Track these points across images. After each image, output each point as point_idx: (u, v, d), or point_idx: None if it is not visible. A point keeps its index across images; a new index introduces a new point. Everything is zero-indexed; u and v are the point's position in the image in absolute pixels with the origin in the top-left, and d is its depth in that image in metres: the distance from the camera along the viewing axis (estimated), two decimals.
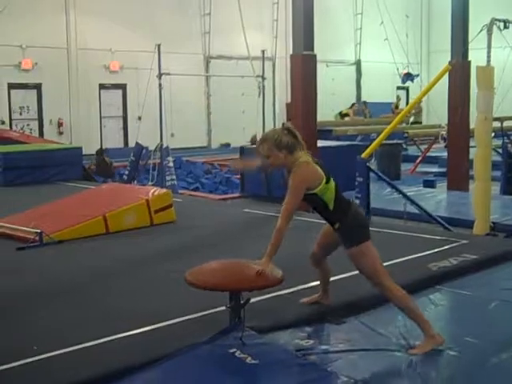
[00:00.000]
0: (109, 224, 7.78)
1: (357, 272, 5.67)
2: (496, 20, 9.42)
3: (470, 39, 12.14)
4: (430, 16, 30.64)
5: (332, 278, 5.48)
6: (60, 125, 19.95)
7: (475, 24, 10.30)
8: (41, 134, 19.54)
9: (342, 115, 24.76)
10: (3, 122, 18.71)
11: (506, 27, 9.58)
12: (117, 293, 5.45)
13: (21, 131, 18.48)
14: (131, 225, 7.97)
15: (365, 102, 24.73)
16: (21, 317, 4.89)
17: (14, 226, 7.57)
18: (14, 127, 18.91)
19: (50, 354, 4.07)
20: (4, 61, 18.52)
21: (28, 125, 19.61)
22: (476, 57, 11.51)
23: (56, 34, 19.51)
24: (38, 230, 7.15)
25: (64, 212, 8.08)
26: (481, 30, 9.35)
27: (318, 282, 5.04)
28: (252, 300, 4.35)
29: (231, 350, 4.02)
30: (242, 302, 4.23)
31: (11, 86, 19.08)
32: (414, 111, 21.23)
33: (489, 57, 9.10)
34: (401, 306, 4.33)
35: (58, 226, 7.49)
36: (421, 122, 22.44)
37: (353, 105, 25.49)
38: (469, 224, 8.68)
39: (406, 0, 28.63)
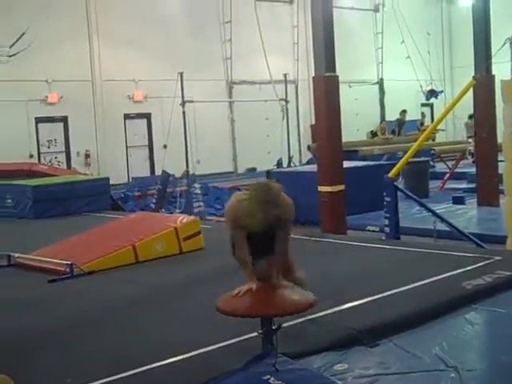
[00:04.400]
0: (138, 253, 7.81)
1: (390, 292, 5.65)
2: None
3: (492, 53, 12.07)
4: (452, 32, 30.56)
5: (364, 300, 5.44)
6: (87, 156, 20.16)
7: (497, 38, 10.26)
8: (68, 165, 19.75)
9: (373, 134, 24.60)
10: (31, 156, 18.96)
11: None
12: (149, 322, 5.45)
13: (49, 164, 18.71)
14: (160, 253, 7.99)
15: (405, 111, 24.24)
16: (53, 349, 4.89)
17: (45, 259, 7.63)
18: (42, 160, 19.15)
19: None
20: (31, 96, 18.82)
21: (56, 157, 19.85)
22: (500, 70, 11.44)
23: (80, 67, 19.79)
24: (69, 262, 7.19)
25: (93, 243, 8.12)
26: (504, 44, 9.32)
27: (351, 304, 5.00)
28: (284, 325, 4.31)
29: (265, 377, 3.98)
30: (273, 327, 4.19)
31: (38, 120, 19.36)
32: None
33: None
34: None
35: (88, 257, 7.53)
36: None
37: (381, 122, 25.27)
38: (501, 240, 8.54)
39: (426, 17, 28.57)
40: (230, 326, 4.66)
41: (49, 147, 19.76)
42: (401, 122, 23.49)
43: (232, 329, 4.70)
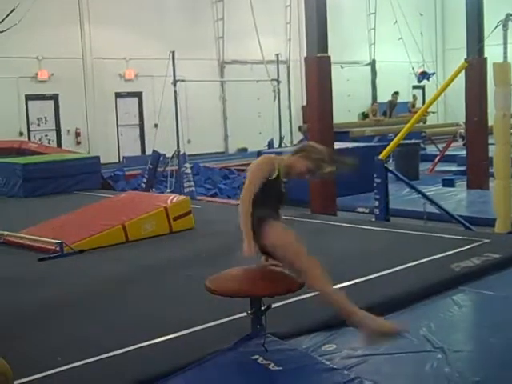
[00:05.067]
0: (128, 232, 7.81)
1: (378, 274, 5.69)
2: (511, 15, 9.33)
3: (485, 35, 12.04)
4: (445, 13, 30.46)
5: (352, 281, 5.48)
6: (77, 135, 20.06)
7: (490, 20, 10.21)
8: (59, 144, 19.64)
9: (365, 116, 24.62)
10: (21, 134, 18.85)
11: None
12: (138, 302, 5.46)
13: (39, 142, 18.61)
14: (150, 233, 8.00)
15: (397, 93, 24.17)
16: (43, 328, 4.91)
17: (34, 237, 7.62)
18: (32, 138, 19.04)
19: (74, 365, 4.09)
20: (21, 73, 18.65)
21: (46, 135, 19.72)
22: (492, 53, 11.40)
23: (71, 45, 19.61)
24: (59, 241, 7.19)
25: (84, 222, 8.12)
26: (496, 26, 9.28)
27: (339, 285, 5.04)
28: (273, 305, 4.33)
29: (254, 357, 4.01)
30: (263, 307, 4.21)
31: (28, 98, 19.20)
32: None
33: (505, 53, 9.03)
34: (328, 299, 4.09)
35: (78, 235, 7.53)
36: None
37: (373, 104, 25.28)
38: (490, 223, 8.60)
39: None
40: (219, 306, 4.67)
41: (39, 125, 19.63)
42: (392, 104, 23.49)
43: (221, 309, 4.72)
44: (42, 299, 5.62)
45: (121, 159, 19.96)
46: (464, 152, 13.25)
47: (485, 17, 12.21)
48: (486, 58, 12.07)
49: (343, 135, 15.23)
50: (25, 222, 8.57)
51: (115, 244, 7.59)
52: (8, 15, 16.84)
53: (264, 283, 4.18)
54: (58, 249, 7.14)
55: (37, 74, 19.23)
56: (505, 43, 9.08)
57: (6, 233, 8.05)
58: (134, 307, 5.30)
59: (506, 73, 8.82)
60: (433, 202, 9.02)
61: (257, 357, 4.00)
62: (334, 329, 4.59)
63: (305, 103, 13.65)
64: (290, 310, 4.82)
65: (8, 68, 18.12)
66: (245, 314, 4.28)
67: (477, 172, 12.09)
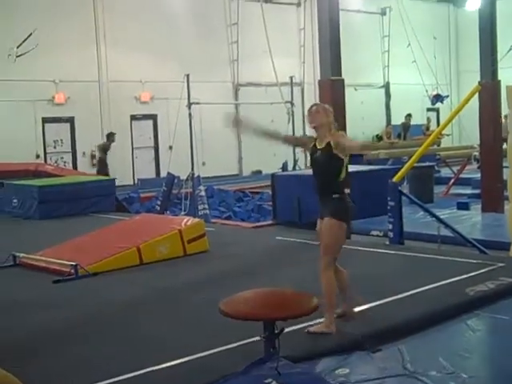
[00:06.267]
0: (143, 255, 7.84)
1: (392, 298, 5.67)
2: None
3: (498, 58, 12.07)
4: (458, 36, 30.54)
5: (367, 305, 5.46)
6: (93, 157, 20.20)
7: (503, 43, 10.26)
8: (74, 166, 19.79)
9: (379, 138, 24.60)
10: (38, 156, 19.03)
11: None
12: (151, 324, 5.48)
13: (55, 164, 18.77)
14: (165, 255, 8.02)
15: (410, 115, 24.17)
16: (57, 350, 4.93)
17: (50, 259, 7.67)
18: (48, 160, 19.20)
19: None
20: (38, 96, 18.88)
21: (62, 158, 19.90)
22: (506, 75, 11.44)
23: (87, 68, 19.85)
24: (74, 263, 7.23)
25: (98, 244, 8.16)
26: (509, 50, 9.33)
27: (354, 309, 5.06)
28: (287, 329, 4.33)
29: (267, 381, 3.99)
30: (276, 331, 4.21)
31: (45, 121, 19.41)
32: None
33: None
34: (323, 283, 4.95)
35: (92, 258, 7.57)
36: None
37: (387, 126, 25.27)
38: (505, 246, 8.53)
39: (432, 21, 28.56)
40: (232, 329, 4.68)
41: (55, 147, 19.81)
42: (406, 126, 23.47)
43: (235, 332, 4.73)
44: (54, 321, 5.65)
45: (135, 181, 20.07)
46: (479, 175, 13.21)
47: (498, 40, 12.24)
48: (499, 81, 12.08)
49: (357, 158, 15.22)
50: (40, 244, 8.62)
51: (130, 266, 7.62)
52: (26, 39, 17.12)
53: (277, 306, 4.20)
54: (72, 271, 7.19)
55: (53, 97, 19.44)
56: None
57: (21, 255, 8.11)
58: (146, 330, 5.31)
59: None
60: (447, 226, 8.99)
61: (270, 380, 3.99)
62: (347, 353, 4.59)
63: None
64: (303, 334, 4.82)
65: (25, 91, 18.35)
66: (258, 337, 4.29)
67: (491, 195, 12.05)
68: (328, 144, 5.06)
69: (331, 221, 4.99)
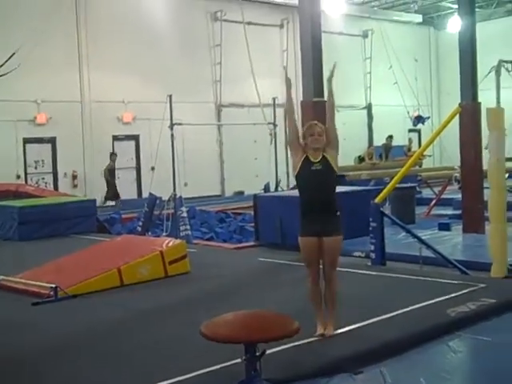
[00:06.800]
0: (123, 276, 7.78)
1: (374, 319, 5.65)
2: (503, 62, 9.47)
3: (478, 80, 12.19)
4: (439, 59, 30.88)
5: (349, 327, 5.44)
6: (74, 177, 20.12)
7: (484, 64, 10.36)
8: (56, 187, 19.66)
9: (361, 159, 24.72)
10: (19, 177, 18.89)
11: None
12: (132, 347, 5.41)
13: (36, 185, 18.64)
14: (146, 277, 7.96)
15: (391, 136, 24.31)
16: (35, 373, 4.85)
17: (29, 282, 7.58)
18: (29, 181, 19.07)
19: None
20: (19, 116, 18.78)
21: (43, 178, 19.77)
22: (486, 97, 11.53)
23: (69, 88, 19.80)
24: (53, 285, 7.15)
25: (78, 266, 8.08)
26: (489, 72, 9.41)
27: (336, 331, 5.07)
28: (268, 351, 4.30)
29: None
30: (257, 353, 4.18)
31: (26, 141, 19.30)
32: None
33: (498, 98, 9.13)
34: (335, 290, 5.31)
35: (72, 280, 7.49)
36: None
37: (369, 147, 25.40)
38: (486, 267, 8.57)
39: (414, 44, 28.91)
40: (214, 352, 4.64)
41: (36, 168, 19.69)
42: (388, 148, 23.60)
43: (216, 354, 4.68)
44: (31, 344, 5.57)
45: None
46: (460, 196, 13.28)
47: (478, 62, 12.38)
48: (479, 103, 12.20)
49: (340, 179, 15.24)
50: (19, 266, 8.53)
51: (110, 288, 7.55)
52: (8, 59, 17.05)
53: (258, 329, 4.17)
54: (52, 293, 7.10)
55: (35, 118, 19.36)
56: (497, 88, 9.19)
57: (0, 277, 8.01)
58: (127, 353, 5.25)
59: (499, 118, 8.90)
60: (429, 247, 9.01)
61: None
62: (329, 375, 4.56)
63: None
64: (285, 356, 4.78)
65: (6, 111, 18.25)
66: (239, 359, 4.25)
67: (472, 216, 12.11)
68: (324, 157, 5.19)
69: (338, 237, 5.25)
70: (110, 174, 18.58)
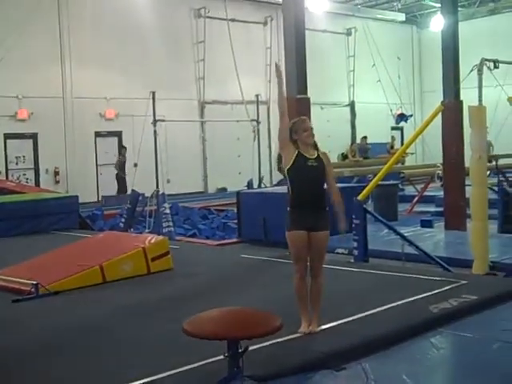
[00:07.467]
0: (105, 273, 7.73)
1: (357, 316, 5.66)
2: (486, 60, 9.51)
3: (461, 79, 12.25)
4: (422, 57, 31.06)
5: (331, 324, 5.45)
6: (56, 173, 19.98)
7: (466, 63, 10.40)
8: (37, 183, 19.54)
9: (344, 156, 24.83)
10: (0, 172, 18.75)
11: (495, 67, 9.66)
12: (113, 344, 5.38)
13: (17, 181, 18.49)
14: (128, 273, 7.92)
15: (365, 137, 24.46)
16: (17, 371, 4.80)
17: (9, 278, 7.52)
18: (10, 177, 18.92)
19: None
20: (0, 111, 18.65)
21: (24, 174, 19.63)
22: (468, 96, 11.59)
23: (51, 84, 19.67)
24: (34, 282, 7.09)
25: (60, 262, 8.02)
26: (471, 71, 9.44)
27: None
28: (251, 348, 4.29)
29: None
30: (240, 350, 4.17)
31: (7, 136, 19.16)
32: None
33: (480, 96, 9.17)
34: (322, 284, 5.34)
35: (54, 276, 7.43)
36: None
37: (352, 144, 25.52)
38: (468, 264, 8.62)
39: (397, 42, 29.04)
40: (196, 349, 4.62)
41: (17, 164, 19.54)
42: (364, 149, 23.66)
43: (198, 351, 4.66)
44: (11, 342, 5.51)
45: (100, 198, 19.88)
46: (442, 193, 13.34)
47: (460, 60, 12.43)
48: (461, 101, 12.26)
49: None
50: (0, 263, 8.45)
51: (92, 285, 7.50)
52: None
53: (241, 326, 4.16)
54: (33, 290, 7.04)
55: (16, 113, 19.21)
56: (480, 87, 9.23)
57: None
58: (108, 350, 5.21)
59: (481, 116, 8.95)
60: (411, 243, 9.05)
61: None
62: (311, 371, 4.55)
63: None
64: (268, 353, 4.77)
65: None
66: (222, 356, 4.24)
67: (454, 213, 12.17)
68: (319, 158, 5.26)
69: (327, 232, 5.28)
70: (121, 168, 18.80)
